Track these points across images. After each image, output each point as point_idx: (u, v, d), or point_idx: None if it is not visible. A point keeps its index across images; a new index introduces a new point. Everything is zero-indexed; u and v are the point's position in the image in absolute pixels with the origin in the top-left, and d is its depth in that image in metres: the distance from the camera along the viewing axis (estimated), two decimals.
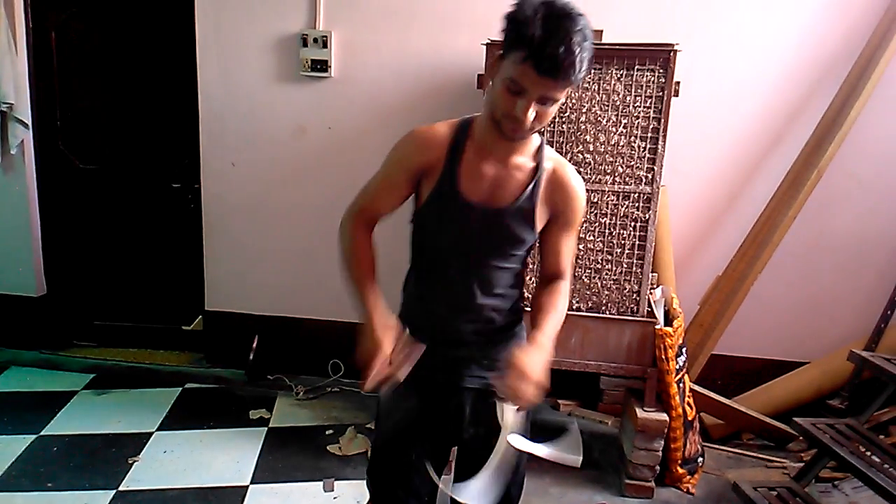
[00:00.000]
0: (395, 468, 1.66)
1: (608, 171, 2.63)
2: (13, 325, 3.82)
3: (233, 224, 3.61)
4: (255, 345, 3.66)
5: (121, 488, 2.68)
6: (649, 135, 2.59)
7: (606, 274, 2.73)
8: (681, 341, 2.79)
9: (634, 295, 2.74)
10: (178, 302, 3.88)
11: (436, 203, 1.51)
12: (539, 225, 1.55)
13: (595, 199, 2.66)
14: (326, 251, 3.51)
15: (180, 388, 3.54)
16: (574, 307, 2.76)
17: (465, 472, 1.49)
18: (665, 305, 2.85)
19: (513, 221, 1.51)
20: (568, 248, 1.61)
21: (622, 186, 2.63)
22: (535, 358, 1.39)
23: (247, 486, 2.73)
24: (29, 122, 3.57)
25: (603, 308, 2.76)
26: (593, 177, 2.64)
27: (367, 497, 1.75)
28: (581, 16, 1.29)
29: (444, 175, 1.49)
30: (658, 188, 2.61)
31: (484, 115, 1.46)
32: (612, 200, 2.66)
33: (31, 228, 3.72)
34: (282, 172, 3.52)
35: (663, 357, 2.70)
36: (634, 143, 2.61)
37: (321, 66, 3.33)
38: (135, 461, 2.86)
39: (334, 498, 2.69)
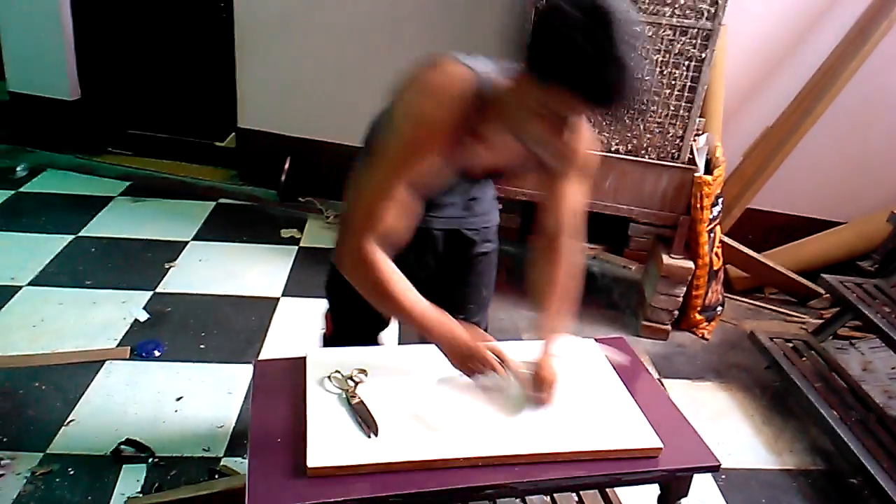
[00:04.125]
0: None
1: (668, 0, 2.44)
2: (49, 129, 3.84)
3: (265, 40, 3.48)
4: (286, 166, 3.66)
5: (158, 290, 2.79)
6: None
7: (651, 116, 2.62)
8: (718, 191, 2.73)
9: (678, 140, 2.64)
10: (211, 117, 3.84)
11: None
12: None
13: (650, 33, 2.49)
14: (362, 74, 3.40)
15: (214, 203, 3.59)
16: (612, 149, 2.69)
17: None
18: (708, 154, 2.75)
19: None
20: (575, 202, 1.45)
21: (681, 20, 2.45)
22: (553, 369, 1.36)
23: (278, 298, 2.83)
24: None
25: (643, 152, 2.67)
26: (651, 7, 2.45)
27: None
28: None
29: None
30: (720, 25, 2.43)
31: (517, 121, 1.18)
32: (668, 35, 2.48)
33: (62, 29, 3.62)
34: None
35: (698, 206, 2.65)
36: None
37: None
38: (171, 266, 2.97)
39: None
